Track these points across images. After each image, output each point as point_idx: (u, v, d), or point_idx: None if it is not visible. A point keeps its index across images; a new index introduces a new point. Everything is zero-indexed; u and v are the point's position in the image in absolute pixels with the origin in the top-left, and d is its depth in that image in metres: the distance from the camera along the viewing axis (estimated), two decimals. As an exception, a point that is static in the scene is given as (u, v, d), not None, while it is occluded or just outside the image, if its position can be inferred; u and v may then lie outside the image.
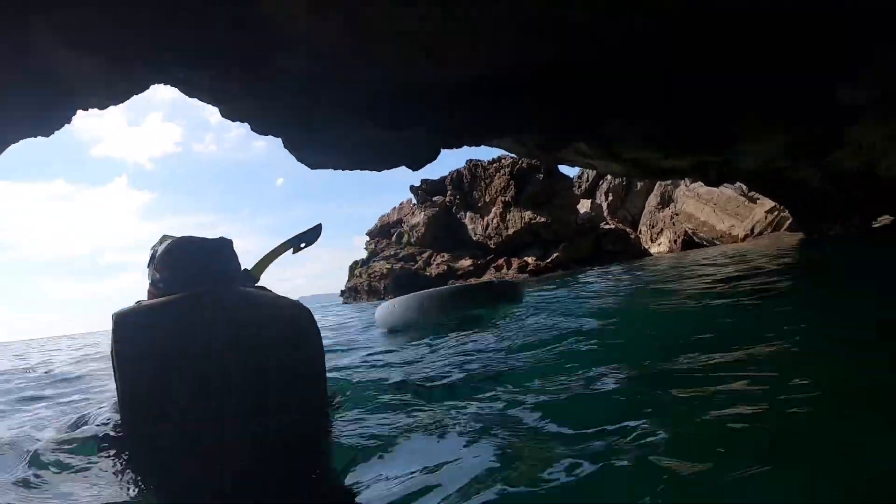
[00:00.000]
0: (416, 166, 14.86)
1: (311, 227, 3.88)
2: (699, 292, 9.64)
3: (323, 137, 13.43)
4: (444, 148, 14.77)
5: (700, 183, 32.21)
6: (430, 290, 11.44)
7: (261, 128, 13.29)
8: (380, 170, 14.87)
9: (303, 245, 3.76)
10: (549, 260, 39.87)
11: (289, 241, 3.70)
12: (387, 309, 11.97)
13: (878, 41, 11.63)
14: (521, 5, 9.61)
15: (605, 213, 48.96)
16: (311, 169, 14.97)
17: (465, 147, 15.55)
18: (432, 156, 14.91)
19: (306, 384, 2.51)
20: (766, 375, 3.72)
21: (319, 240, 3.87)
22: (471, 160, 47.18)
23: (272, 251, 3.57)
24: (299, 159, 14.55)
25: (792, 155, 15.02)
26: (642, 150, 14.68)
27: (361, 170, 14.93)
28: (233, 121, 12.88)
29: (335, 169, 14.95)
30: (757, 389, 3.43)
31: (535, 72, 11.48)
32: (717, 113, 13.15)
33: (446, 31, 10.11)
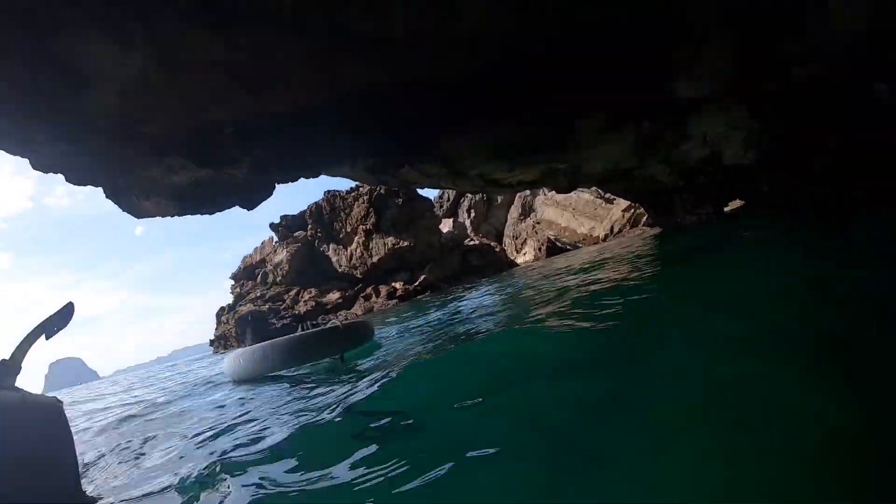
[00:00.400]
0: (249, 205, 13.68)
1: (60, 308, 3.58)
2: (562, 295, 10.01)
3: (141, 182, 12.17)
4: (278, 182, 13.73)
5: None
6: (274, 340, 10.59)
7: (76, 177, 11.86)
8: (211, 212, 13.59)
9: (56, 329, 3.51)
10: (417, 283, 39.75)
11: (39, 326, 3.45)
12: (232, 361, 11.28)
13: (715, 27, 11.75)
14: (339, 30, 8.95)
15: (470, 230, 49.40)
16: (138, 218, 13.57)
17: (322, 177, 14.73)
18: (265, 193, 13.73)
19: (54, 479, 2.54)
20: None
21: (73, 318, 3.58)
22: (329, 191, 46.68)
23: (25, 338, 3.32)
24: (124, 209, 13.22)
25: (640, 153, 14.92)
26: (487, 164, 14.13)
27: (192, 214, 13.65)
28: (45, 172, 11.44)
29: (164, 216, 13.59)
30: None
31: (361, 95, 10.80)
32: (560, 117, 12.84)
33: (261, 62, 9.30)
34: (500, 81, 11.31)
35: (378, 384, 5.81)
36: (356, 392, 5.85)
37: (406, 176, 14.63)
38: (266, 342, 10.64)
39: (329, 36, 8.99)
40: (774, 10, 12.24)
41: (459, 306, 15.19)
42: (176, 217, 13.89)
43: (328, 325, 10.76)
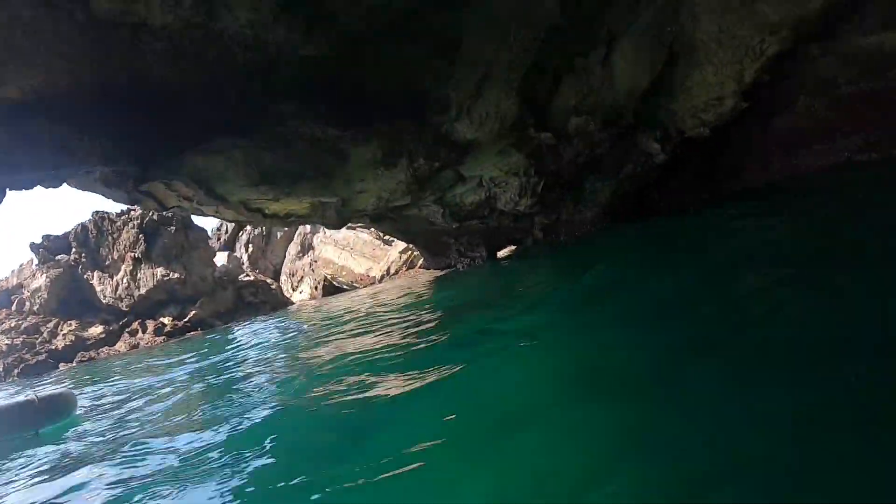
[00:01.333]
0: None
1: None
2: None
3: None
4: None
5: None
6: None
7: None
8: None
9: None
10: (187, 319, 37.54)
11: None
12: None
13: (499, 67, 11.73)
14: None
15: (246, 265, 47.72)
16: None
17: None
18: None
19: None
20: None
21: None
22: (97, 212, 42.90)
23: None
24: None
25: (413, 192, 14.52)
26: (250, 190, 12.99)
27: None
28: None
29: None
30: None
31: (98, 89, 9.55)
32: (330, 144, 12.19)
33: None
34: (259, 94, 10.59)
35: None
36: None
37: (159, 195, 13.19)
38: None
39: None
40: (559, 62, 12.47)
41: (225, 351, 14.06)
42: None
43: (22, 399, 9.45)
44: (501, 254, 19.64)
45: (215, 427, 5.89)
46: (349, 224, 32.55)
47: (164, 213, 33.92)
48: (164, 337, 35.48)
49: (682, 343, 5.08)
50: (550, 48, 11.99)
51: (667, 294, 6.84)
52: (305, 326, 14.26)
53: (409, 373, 5.28)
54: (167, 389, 10.38)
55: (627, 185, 15.16)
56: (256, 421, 5.79)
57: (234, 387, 8.17)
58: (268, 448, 4.77)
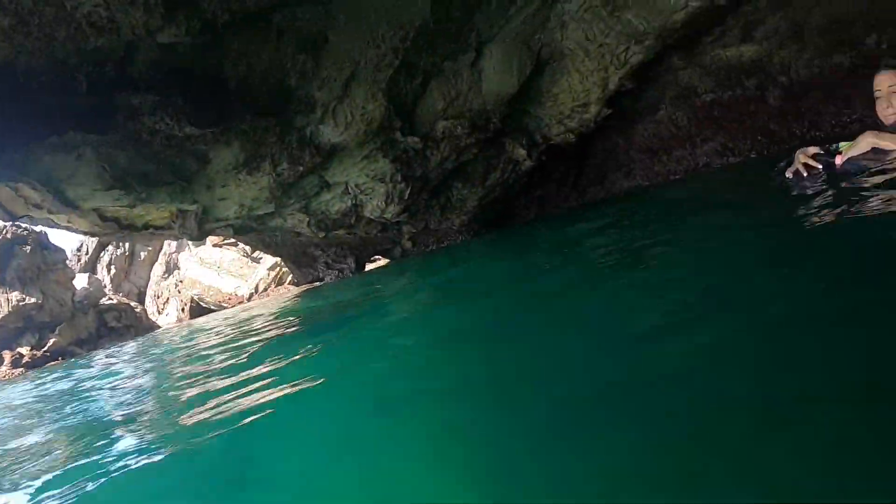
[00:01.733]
0: None
1: None
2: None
3: None
4: None
5: (205, 246, 31.44)
6: None
7: None
8: None
9: None
10: (46, 348, 35.33)
11: None
12: None
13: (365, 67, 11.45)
14: None
15: (109, 288, 45.53)
16: None
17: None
18: None
19: None
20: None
21: None
22: (-66, 230, 40.22)
23: None
24: None
25: (277, 198, 13.89)
26: (104, 196, 12.02)
27: None
28: None
29: None
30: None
31: None
32: (185, 143, 11.52)
33: None
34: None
35: None
36: None
37: (5, 201, 12.05)
38: None
39: None
40: (428, 65, 12.32)
41: (79, 388, 12.95)
42: None
43: None
44: (371, 265, 19.36)
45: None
46: (215, 243, 31.80)
47: (14, 224, 32.04)
48: (21, 369, 33.13)
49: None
50: (420, 50, 11.79)
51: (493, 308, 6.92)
52: (171, 352, 13.45)
53: (280, 387, 4.92)
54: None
55: (495, 192, 15.13)
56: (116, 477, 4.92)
57: (90, 428, 7.32)
58: None
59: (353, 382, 4.70)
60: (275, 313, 13.61)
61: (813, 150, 5.05)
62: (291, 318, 11.39)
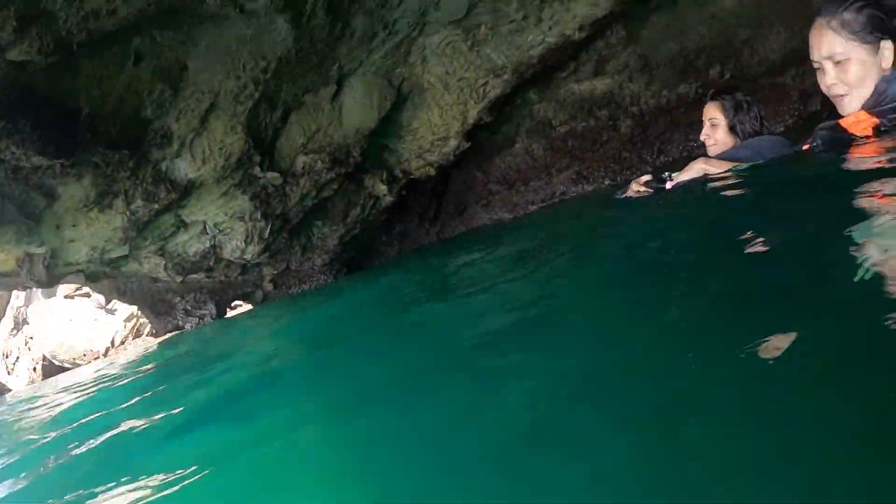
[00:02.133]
0: None
1: None
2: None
3: None
4: None
5: (56, 298, 29.84)
6: None
7: None
8: None
9: None
10: None
11: None
12: None
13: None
14: None
15: (-52, 349, 42.50)
16: None
17: None
18: None
19: None
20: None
21: None
22: None
23: None
24: None
25: (131, 239, 13.10)
26: None
27: None
28: None
29: None
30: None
31: None
32: (36, 181, 10.83)
33: None
34: None
35: None
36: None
37: None
38: None
39: None
40: (289, 97, 12.18)
41: None
42: None
43: None
44: (231, 312, 18.74)
45: None
46: (67, 294, 30.18)
47: None
48: None
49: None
50: (281, 82, 11.58)
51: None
52: (23, 423, 12.39)
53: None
54: None
55: (356, 229, 15.03)
56: None
57: None
58: None
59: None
60: (130, 368, 13.04)
61: (645, 178, 5.57)
62: (148, 375, 10.87)
